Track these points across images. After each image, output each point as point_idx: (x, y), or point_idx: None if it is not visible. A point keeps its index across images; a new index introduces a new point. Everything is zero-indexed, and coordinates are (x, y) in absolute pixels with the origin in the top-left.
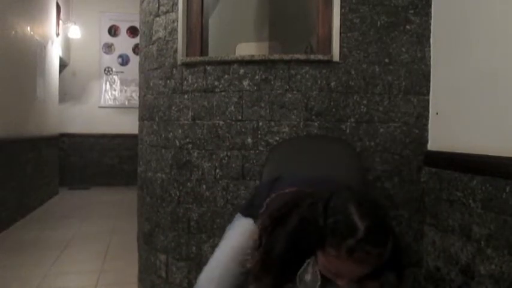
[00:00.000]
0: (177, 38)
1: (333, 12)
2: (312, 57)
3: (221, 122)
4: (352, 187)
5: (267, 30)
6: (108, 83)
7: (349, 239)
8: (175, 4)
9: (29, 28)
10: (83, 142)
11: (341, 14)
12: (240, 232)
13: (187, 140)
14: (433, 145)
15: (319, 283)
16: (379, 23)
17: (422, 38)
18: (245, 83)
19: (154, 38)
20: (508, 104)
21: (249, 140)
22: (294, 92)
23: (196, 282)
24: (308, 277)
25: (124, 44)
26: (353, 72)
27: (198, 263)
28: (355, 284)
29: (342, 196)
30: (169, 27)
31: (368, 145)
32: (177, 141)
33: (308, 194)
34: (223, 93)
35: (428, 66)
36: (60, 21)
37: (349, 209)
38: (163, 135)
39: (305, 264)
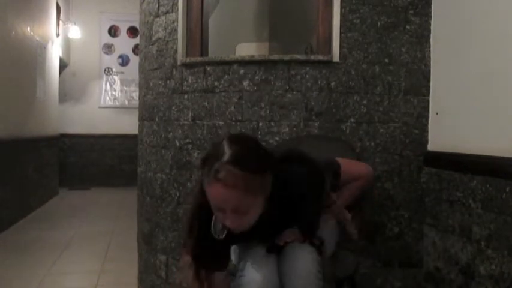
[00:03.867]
0: (177, 38)
1: (332, 12)
2: (312, 57)
3: (221, 123)
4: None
5: (267, 30)
6: (108, 83)
7: (216, 163)
8: (175, 4)
9: (29, 28)
10: (83, 142)
11: (341, 14)
12: None
13: (187, 140)
14: (433, 145)
15: (225, 230)
16: (379, 23)
17: (422, 38)
18: (245, 83)
19: (154, 38)
20: (508, 104)
21: None
22: (294, 92)
23: None
24: (219, 225)
25: (124, 44)
26: (353, 72)
27: None
28: (234, 216)
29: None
30: (169, 28)
31: (368, 145)
32: (177, 142)
33: None
34: (223, 93)
35: (428, 66)
36: (60, 22)
37: (222, 143)
38: (163, 136)
39: (214, 216)
